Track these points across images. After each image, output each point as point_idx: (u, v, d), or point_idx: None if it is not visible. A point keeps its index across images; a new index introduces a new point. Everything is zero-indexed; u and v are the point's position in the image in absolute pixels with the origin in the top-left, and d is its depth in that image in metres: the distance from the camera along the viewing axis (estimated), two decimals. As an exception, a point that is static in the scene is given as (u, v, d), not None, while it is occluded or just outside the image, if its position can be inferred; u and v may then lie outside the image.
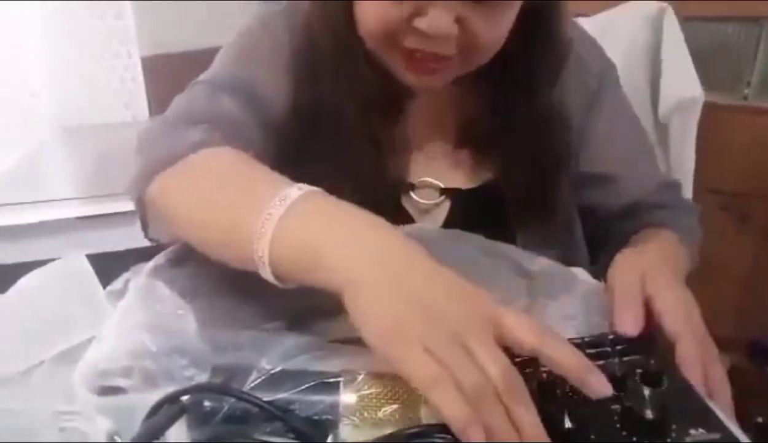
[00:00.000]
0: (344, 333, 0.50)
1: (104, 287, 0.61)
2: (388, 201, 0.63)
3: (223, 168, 0.59)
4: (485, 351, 0.40)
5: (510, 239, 0.70)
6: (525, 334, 0.42)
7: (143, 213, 0.67)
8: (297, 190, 0.50)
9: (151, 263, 0.61)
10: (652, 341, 0.54)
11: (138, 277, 0.60)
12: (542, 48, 0.70)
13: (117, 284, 0.61)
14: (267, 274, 0.49)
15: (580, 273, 0.67)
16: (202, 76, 0.74)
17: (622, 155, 0.80)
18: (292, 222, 0.48)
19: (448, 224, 0.75)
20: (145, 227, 0.69)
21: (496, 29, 0.63)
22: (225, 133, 0.63)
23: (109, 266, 0.63)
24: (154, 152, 0.64)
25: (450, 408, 0.39)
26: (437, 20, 0.59)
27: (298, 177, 0.52)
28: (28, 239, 0.72)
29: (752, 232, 1.63)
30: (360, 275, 0.44)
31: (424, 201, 0.76)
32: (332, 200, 0.51)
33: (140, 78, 1.49)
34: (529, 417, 0.39)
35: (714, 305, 1.66)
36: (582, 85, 0.78)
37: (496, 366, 0.40)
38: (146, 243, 0.72)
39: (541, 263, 0.66)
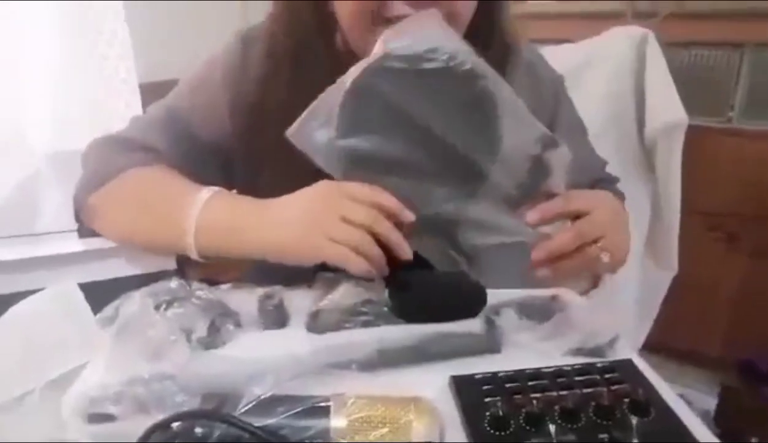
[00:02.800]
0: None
1: (95, 314, 0.61)
2: None
3: (147, 184, 0.74)
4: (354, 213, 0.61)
5: None
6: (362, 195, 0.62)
7: (80, 218, 0.79)
8: (207, 192, 0.68)
9: (142, 290, 0.62)
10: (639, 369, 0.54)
11: (129, 304, 0.60)
12: (489, 38, 0.74)
13: (108, 311, 0.61)
14: (195, 257, 0.68)
15: (565, 294, 0.68)
16: (156, 104, 0.82)
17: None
18: (207, 218, 0.66)
19: None
20: (81, 228, 0.81)
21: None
22: (151, 160, 0.75)
23: (100, 294, 0.64)
24: (90, 170, 0.78)
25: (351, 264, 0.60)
26: None
27: (255, 185, 0.69)
28: (19, 271, 0.72)
29: (741, 252, 1.65)
30: (269, 242, 0.64)
31: None
32: (231, 195, 0.70)
33: (135, 105, 1.50)
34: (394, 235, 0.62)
35: (704, 326, 1.69)
36: (541, 102, 0.81)
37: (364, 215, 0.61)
38: (137, 271, 0.73)
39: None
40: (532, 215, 0.64)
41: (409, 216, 0.63)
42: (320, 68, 0.70)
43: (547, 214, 0.65)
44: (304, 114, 0.63)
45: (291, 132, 0.63)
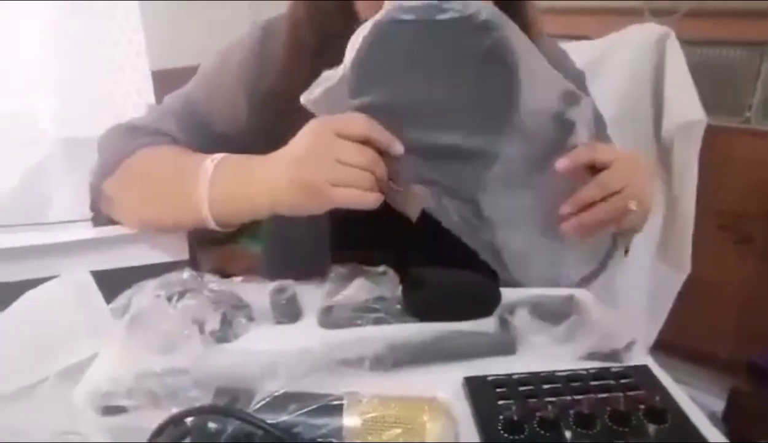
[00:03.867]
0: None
1: (108, 303, 0.61)
2: None
3: (156, 163, 0.74)
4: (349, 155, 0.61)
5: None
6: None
7: (97, 206, 0.80)
8: (211, 161, 0.68)
9: (154, 281, 0.61)
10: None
11: (142, 294, 0.60)
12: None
13: (121, 300, 0.61)
14: (214, 227, 0.69)
15: (580, 295, 0.67)
16: (173, 94, 0.82)
17: None
18: (217, 187, 0.67)
19: None
20: (96, 216, 0.81)
21: None
22: (162, 143, 0.76)
23: (112, 282, 0.63)
24: (104, 156, 0.78)
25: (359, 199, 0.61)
26: None
27: None
28: (31, 260, 0.72)
29: (754, 252, 1.63)
30: (275, 197, 0.64)
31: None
32: (236, 158, 0.69)
33: (146, 92, 1.49)
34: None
35: (714, 326, 1.67)
36: None
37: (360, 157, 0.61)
38: (150, 261, 0.73)
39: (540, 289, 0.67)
40: (561, 161, 0.65)
41: (398, 149, 0.63)
42: (341, 59, 0.69)
43: (577, 160, 0.65)
44: (318, 79, 0.63)
45: (305, 98, 0.64)
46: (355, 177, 0.61)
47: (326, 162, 0.61)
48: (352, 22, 0.70)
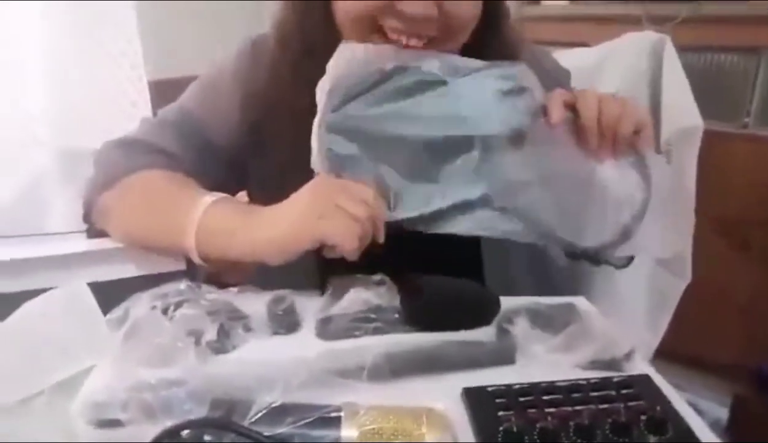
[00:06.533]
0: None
1: (105, 315, 0.61)
2: None
3: (155, 187, 0.75)
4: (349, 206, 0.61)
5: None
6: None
7: (90, 218, 0.80)
8: (210, 197, 0.69)
9: (151, 292, 0.61)
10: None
11: (138, 306, 0.60)
12: (493, 39, 0.75)
13: (117, 312, 0.61)
14: (196, 259, 0.69)
15: (580, 303, 0.67)
16: (167, 107, 0.83)
17: None
18: (207, 221, 0.67)
19: None
20: (90, 228, 0.81)
21: (470, 11, 0.69)
22: (162, 162, 0.77)
23: (109, 295, 0.63)
24: (101, 171, 0.79)
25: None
26: (417, 5, 0.64)
27: (267, 183, 0.71)
28: (29, 271, 0.72)
29: (754, 259, 1.63)
30: (259, 240, 0.65)
31: None
32: (234, 201, 0.71)
33: (142, 104, 1.49)
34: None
35: (716, 333, 1.67)
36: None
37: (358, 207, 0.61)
38: (147, 272, 0.73)
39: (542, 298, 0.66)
40: (552, 115, 0.65)
41: (381, 238, 0.63)
42: (324, 64, 0.70)
43: (561, 102, 0.65)
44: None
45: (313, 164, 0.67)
46: (348, 221, 0.60)
47: (325, 204, 0.62)
48: (334, 32, 0.72)
